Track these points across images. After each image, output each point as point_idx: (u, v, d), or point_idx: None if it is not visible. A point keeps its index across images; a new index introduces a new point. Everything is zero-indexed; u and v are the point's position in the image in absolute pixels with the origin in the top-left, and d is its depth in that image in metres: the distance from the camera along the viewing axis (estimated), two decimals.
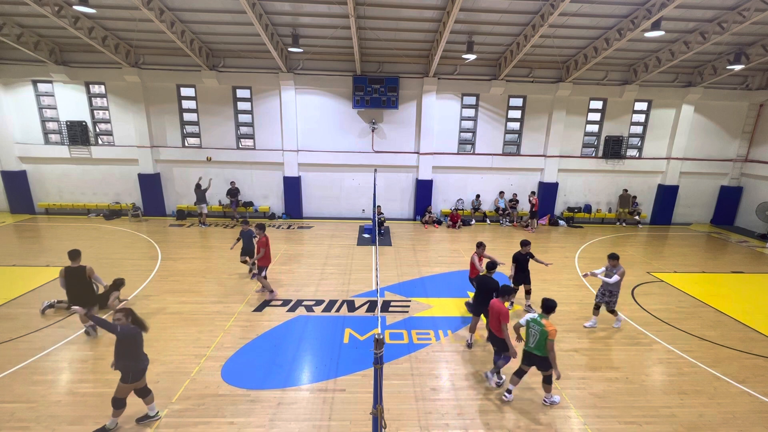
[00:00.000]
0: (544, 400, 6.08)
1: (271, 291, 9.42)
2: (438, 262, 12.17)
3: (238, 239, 10.18)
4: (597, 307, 8.41)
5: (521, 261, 8.73)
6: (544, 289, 10.31)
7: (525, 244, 8.72)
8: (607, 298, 8.16)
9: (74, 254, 7.32)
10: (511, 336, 6.25)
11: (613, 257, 8.02)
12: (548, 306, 5.82)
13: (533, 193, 16.99)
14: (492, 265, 7.52)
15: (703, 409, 6.08)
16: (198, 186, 15.37)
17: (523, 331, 6.11)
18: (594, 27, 12.96)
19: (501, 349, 6.33)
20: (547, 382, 5.92)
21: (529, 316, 5.92)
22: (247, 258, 9.92)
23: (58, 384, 6.22)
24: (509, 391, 6.09)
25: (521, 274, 8.79)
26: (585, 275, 8.36)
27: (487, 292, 7.07)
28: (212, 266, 11.35)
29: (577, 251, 13.70)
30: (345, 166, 16.88)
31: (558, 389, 6.38)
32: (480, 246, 8.58)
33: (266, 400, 5.96)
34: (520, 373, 6.06)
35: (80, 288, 7.37)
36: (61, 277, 7.29)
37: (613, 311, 8.28)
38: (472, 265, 8.57)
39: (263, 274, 9.35)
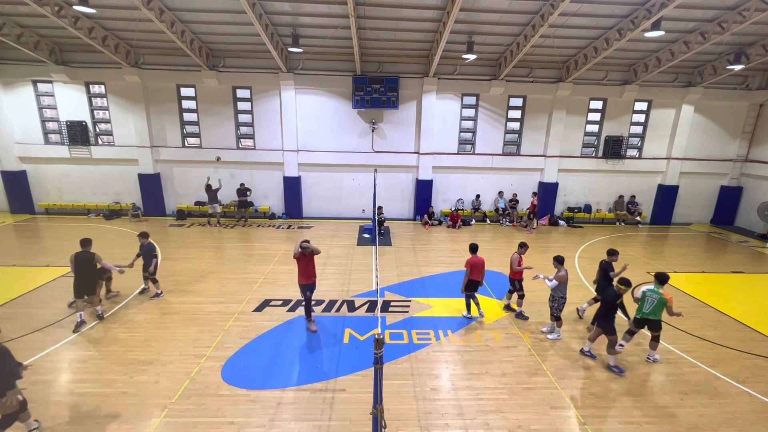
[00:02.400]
0: (648, 357, 7.30)
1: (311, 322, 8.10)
2: (438, 262, 12.17)
3: (138, 254, 9.12)
4: (557, 318, 7.94)
5: (606, 269, 8.44)
6: (545, 288, 10.30)
7: (612, 253, 8.45)
8: (550, 303, 7.86)
9: (86, 241, 7.89)
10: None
11: (556, 259, 7.79)
12: (662, 278, 6.98)
13: (534, 193, 16.99)
14: (625, 282, 6.84)
15: (703, 409, 6.08)
16: (209, 186, 15.35)
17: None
18: (594, 27, 12.96)
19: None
20: (656, 340, 7.07)
21: (646, 287, 7.08)
22: (149, 271, 9.23)
23: (58, 384, 6.22)
24: (621, 345, 7.07)
25: (605, 282, 8.40)
26: (536, 277, 8.08)
27: (609, 304, 6.87)
28: (212, 266, 11.36)
29: (577, 251, 13.70)
30: (345, 166, 16.87)
31: (558, 389, 6.39)
32: (523, 247, 8.56)
33: (266, 400, 5.96)
34: (631, 333, 7.28)
35: (87, 275, 7.81)
36: (71, 262, 7.77)
37: (557, 318, 7.85)
38: (512, 264, 8.57)
39: (307, 294, 7.93)
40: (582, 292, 10.21)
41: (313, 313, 8.23)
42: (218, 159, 16.24)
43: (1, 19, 12.81)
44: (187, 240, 13.89)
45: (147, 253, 9.10)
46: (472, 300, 8.65)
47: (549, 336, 7.99)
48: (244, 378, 6.44)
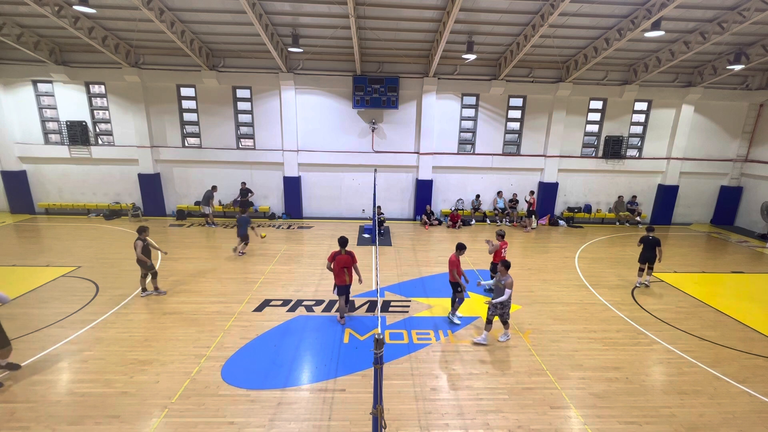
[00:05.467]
0: None
1: (342, 316, 8.35)
2: (438, 262, 12.17)
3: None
4: (489, 321, 7.53)
5: (647, 243, 10.22)
6: (545, 288, 10.32)
7: (650, 230, 10.32)
8: (500, 310, 7.41)
9: None
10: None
11: (503, 264, 7.26)
12: None
13: (531, 192, 16.99)
14: None
15: (703, 409, 6.08)
16: (211, 193, 15.58)
17: None
18: (594, 27, 12.96)
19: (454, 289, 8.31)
20: None
21: None
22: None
23: (58, 384, 6.22)
24: None
25: (647, 253, 10.26)
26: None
27: None
28: (212, 266, 11.36)
29: (577, 251, 13.70)
30: (345, 166, 16.87)
31: (558, 389, 6.39)
32: (501, 235, 9.32)
33: (266, 400, 5.96)
34: None
35: None
36: None
37: (505, 323, 7.66)
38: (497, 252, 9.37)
39: (335, 292, 8.26)
40: (582, 292, 10.21)
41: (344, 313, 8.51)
42: (263, 236, 13.72)
43: (1, 19, 12.80)
44: (187, 240, 13.89)
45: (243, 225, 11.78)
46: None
47: (500, 338, 7.75)
48: (244, 378, 6.44)
